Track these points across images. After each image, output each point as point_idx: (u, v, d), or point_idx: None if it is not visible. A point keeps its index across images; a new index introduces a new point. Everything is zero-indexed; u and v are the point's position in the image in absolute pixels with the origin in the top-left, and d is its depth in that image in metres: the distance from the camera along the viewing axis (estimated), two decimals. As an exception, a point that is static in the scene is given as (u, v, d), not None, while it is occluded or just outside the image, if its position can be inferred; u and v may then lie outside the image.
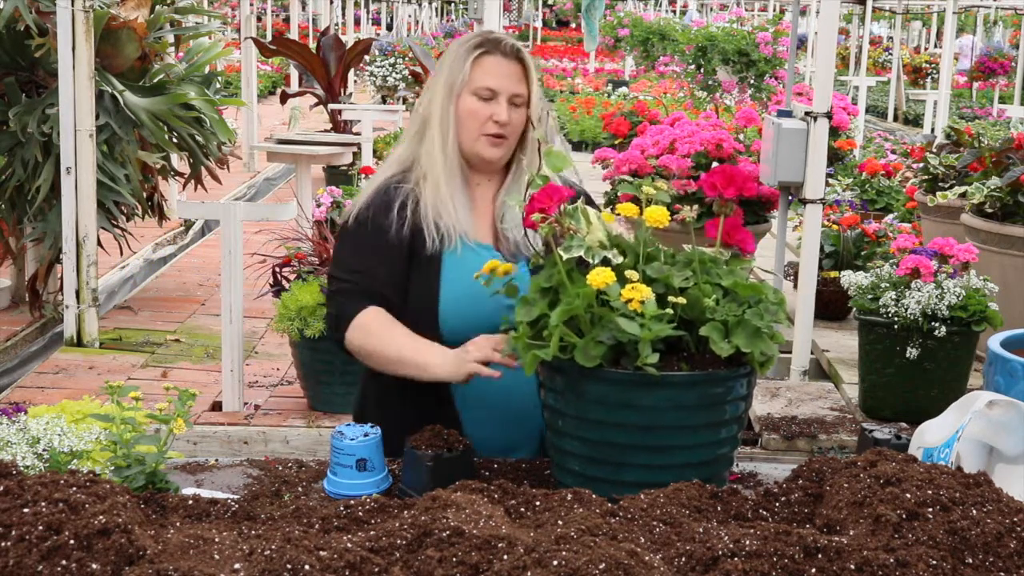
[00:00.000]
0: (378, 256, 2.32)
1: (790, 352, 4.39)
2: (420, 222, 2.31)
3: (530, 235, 2.27)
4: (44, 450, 1.88)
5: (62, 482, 1.59)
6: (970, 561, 1.54)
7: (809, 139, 4.29)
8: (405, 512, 1.68)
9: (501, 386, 2.22)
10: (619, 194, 2.19)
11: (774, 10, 19.28)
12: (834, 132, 6.27)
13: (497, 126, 2.32)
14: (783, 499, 1.82)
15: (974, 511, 1.60)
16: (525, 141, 2.38)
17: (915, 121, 17.12)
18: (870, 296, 3.73)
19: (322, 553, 1.50)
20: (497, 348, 2.13)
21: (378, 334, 2.28)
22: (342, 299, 2.33)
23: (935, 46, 24.48)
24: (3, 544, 1.47)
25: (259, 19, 21.58)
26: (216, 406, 4.63)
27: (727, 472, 2.04)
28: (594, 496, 1.76)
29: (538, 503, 1.77)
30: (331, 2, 20.97)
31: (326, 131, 10.44)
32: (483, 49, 2.34)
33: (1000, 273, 4.22)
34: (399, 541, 1.56)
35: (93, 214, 5.37)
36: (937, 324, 3.56)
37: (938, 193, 5.14)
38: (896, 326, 3.62)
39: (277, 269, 4.67)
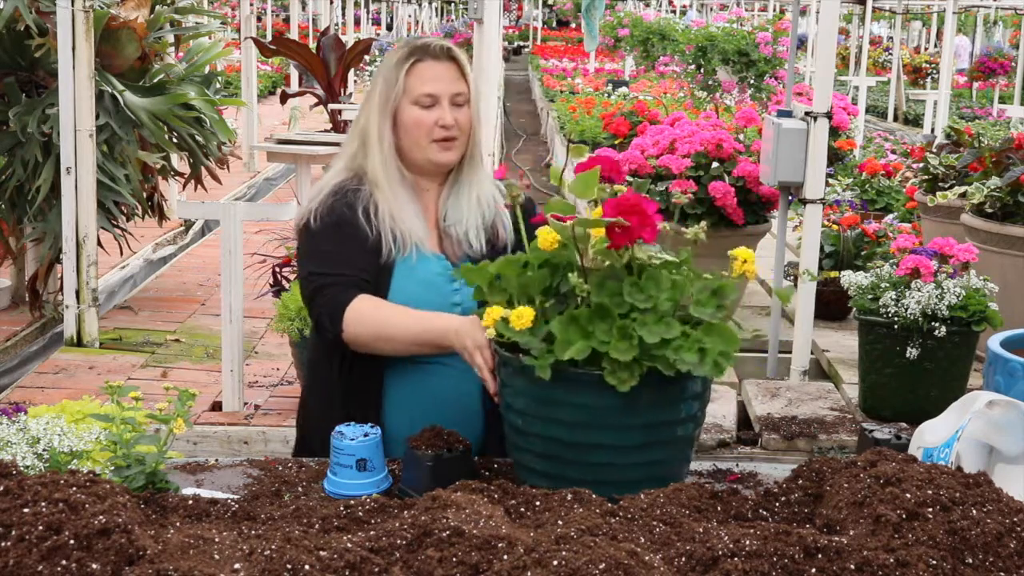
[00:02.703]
0: (355, 249, 2.29)
1: (790, 352, 4.39)
2: (380, 228, 2.31)
3: (472, 230, 2.33)
4: (44, 450, 1.88)
5: (62, 482, 1.59)
6: (970, 561, 1.54)
7: (809, 139, 4.29)
8: (405, 512, 1.68)
9: (429, 391, 2.26)
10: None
11: (774, 10, 19.27)
12: (834, 132, 6.28)
13: (444, 130, 2.32)
14: (783, 499, 1.82)
15: (974, 511, 1.60)
16: (472, 138, 2.37)
17: (915, 121, 17.11)
18: (870, 296, 3.73)
19: (322, 553, 1.50)
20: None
21: (381, 316, 2.24)
22: (331, 293, 2.26)
23: (935, 46, 24.48)
24: (3, 544, 1.47)
25: (259, 19, 21.58)
26: (216, 406, 4.63)
27: (685, 471, 2.02)
28: (594, 496, 1.76)
29: (538, 503, 1.77)
30: (331, 2, 20.96)
31: (326, 131, 10.43)
32: (414, 58, 2.33)
33: (1000, 273, 4.22)
34: (399, 541, 1.56)
35: (93, 214, 5.37)
36: (937, 324, 3.56)
37: (938, 193, 5.14)
38: (896, 326, 3.62)
39: (277, 269, 4.67)
